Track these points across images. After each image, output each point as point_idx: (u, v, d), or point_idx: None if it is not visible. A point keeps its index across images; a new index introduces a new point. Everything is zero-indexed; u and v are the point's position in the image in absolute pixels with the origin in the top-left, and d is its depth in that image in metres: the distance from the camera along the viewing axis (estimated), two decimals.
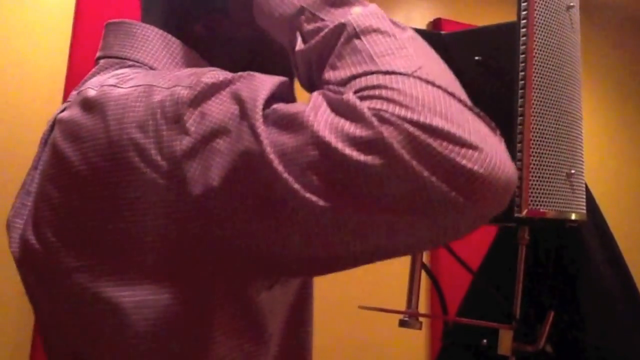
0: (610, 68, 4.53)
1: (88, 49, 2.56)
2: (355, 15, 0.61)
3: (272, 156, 0.53)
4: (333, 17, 0.62)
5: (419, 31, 1.21)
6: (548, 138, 0.98)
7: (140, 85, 0.62)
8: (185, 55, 0.75)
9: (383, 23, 0.62)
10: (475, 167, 0.51)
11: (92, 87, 0.66)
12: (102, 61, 0.75)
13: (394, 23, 0.63)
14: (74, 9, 2.63)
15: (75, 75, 2.56)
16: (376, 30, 0.60)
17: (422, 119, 0.52)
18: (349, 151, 0.51)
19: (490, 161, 0.52)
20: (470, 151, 0.51)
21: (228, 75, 0.60)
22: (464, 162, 0.51)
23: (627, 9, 4.51)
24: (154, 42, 0.74)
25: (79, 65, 2.57)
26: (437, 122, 0.52)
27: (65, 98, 2.52)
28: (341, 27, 0.60)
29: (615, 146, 4.53)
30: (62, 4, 2.63)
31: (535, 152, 0.97)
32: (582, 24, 1.09)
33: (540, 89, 0.98)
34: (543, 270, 1.14)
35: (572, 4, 1.02)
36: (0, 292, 2.21)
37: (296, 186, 0.52)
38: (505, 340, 1.03)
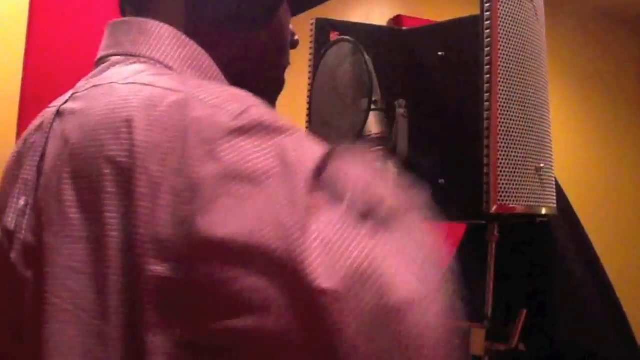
0: (578, 60, 4.59)
1: (44, 49, 2.52)
2: None
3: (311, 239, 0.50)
4: None
5: (381, 28, 1.20)
6: (515, 132, 0.97)
7: (179, 92, 0.57)
8: (200, 59, 0.70)
9: None
10: None
11: (117, 82, 0.62)
12: (113, 58, 0.69)
13: None
14: (27, 9, 2.57)
15: (31, 78, 2.50)
16: None
17: None
18: None
19: None
20: None
21: (277, 119, 0.56)
22: None
23: (596, 3, 4.57)
24: (167, 41, 0.69)
25: (35, 67, 2.51)
26: None
27: (22, 100, 2.47)
28: None
29: (584, 139, 4.60)
30: (16, 4, 2.56)
31: (503, 147, 0.95)
32: (550, 16, 1.08)
33: (506, 82, 0.96)
34: (514, 267, 1.12)
35: None
36: None
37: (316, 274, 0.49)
38: (478, 340, 1.02)
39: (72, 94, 0.67)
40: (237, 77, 0.75)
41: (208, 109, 0.55)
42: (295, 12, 0.88)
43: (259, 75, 0.80)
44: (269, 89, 0.82)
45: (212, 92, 0.58)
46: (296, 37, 0.87)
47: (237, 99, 0.57)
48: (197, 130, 0.54)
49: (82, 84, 0.68)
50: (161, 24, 0.69)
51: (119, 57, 0.69)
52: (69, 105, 0.65)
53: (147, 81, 0.60)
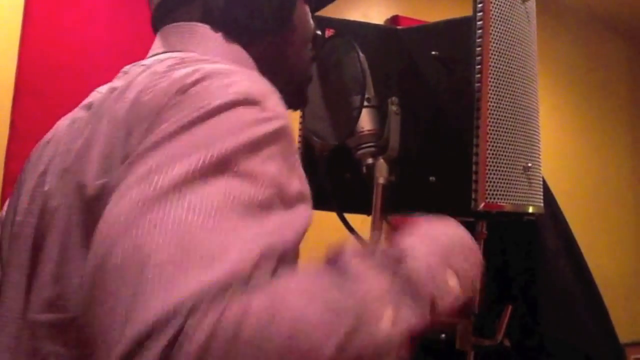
0: (569, 63, 4.61)
1: (39, 40, 2.52)
2: None
3: None
4: None
5: (376, 26, 1.21)
6: (505, 131, 0.98)
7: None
8: (239, 55, 0.78)
9: None
10: None
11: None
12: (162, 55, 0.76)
13: None
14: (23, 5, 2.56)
15: (25, 68, 2.49)
16: None
17: None
18: None
19: None
20: None
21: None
22: None
23: (587, 6, 4.59)
24: (212, 41, 0.77)
25: (30, 57, 2.51)
26: None
27: (17, 90, 2.47)
28: None
29: (572, 140, 4.62)
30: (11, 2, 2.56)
31: (492, 146, 0.97)
32: (543, 20, 1.09)
33: (496, 82, 0.98)
34: (501, 264, 1.14)
35: None
36: None
37: None
38: (464, 335, 1.03)
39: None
40: (266, 75, 0.81)
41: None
42: (315, 8, 0.93)
43: (287, 72, 0.87)
44: (298, 82, 0.90)
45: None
46: (319, 32, 0.91)
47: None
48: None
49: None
50: (206, 27, 0.78)
51: (168, 54, 0.75)
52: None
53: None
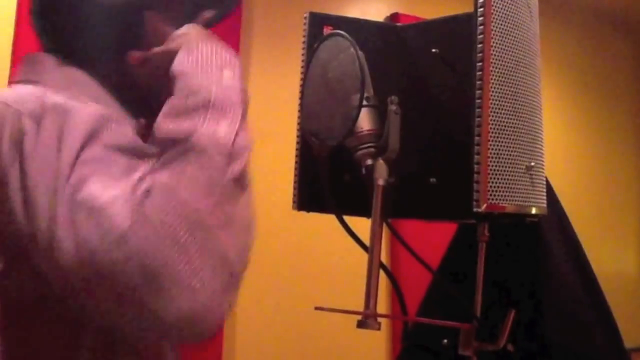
0: (572, 59, 4.59)
1: (32, 43, 2.50)
2: None
3: None
4: None
5: (375, 23, 1.19)
6: (506, 130, 0.96)
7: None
8: (75, 77, 0.90)
9: None
10: None
11: None
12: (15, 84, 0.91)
13: None
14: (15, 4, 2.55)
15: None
16: None
17: None
18: None
19: None
20: None
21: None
22: None
23: (590, 2, 4.58)
24: (48, 68, 0.91)
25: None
26: None
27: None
28: None
29: (576, 138, 4.60)
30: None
31: (494, 145, 0.95)
32: (545, 17, 1.07)
33: (497, 80, 0.95)
34: (504, 268, 1.12)
35: None
36: None
37: None
38: (467, 340, 1.01)
39: None
40: (133, 86, 0.92)
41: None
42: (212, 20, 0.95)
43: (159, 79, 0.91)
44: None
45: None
46: None
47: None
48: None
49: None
50: (47, 56, 0.93)
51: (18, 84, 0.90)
52: None
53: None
